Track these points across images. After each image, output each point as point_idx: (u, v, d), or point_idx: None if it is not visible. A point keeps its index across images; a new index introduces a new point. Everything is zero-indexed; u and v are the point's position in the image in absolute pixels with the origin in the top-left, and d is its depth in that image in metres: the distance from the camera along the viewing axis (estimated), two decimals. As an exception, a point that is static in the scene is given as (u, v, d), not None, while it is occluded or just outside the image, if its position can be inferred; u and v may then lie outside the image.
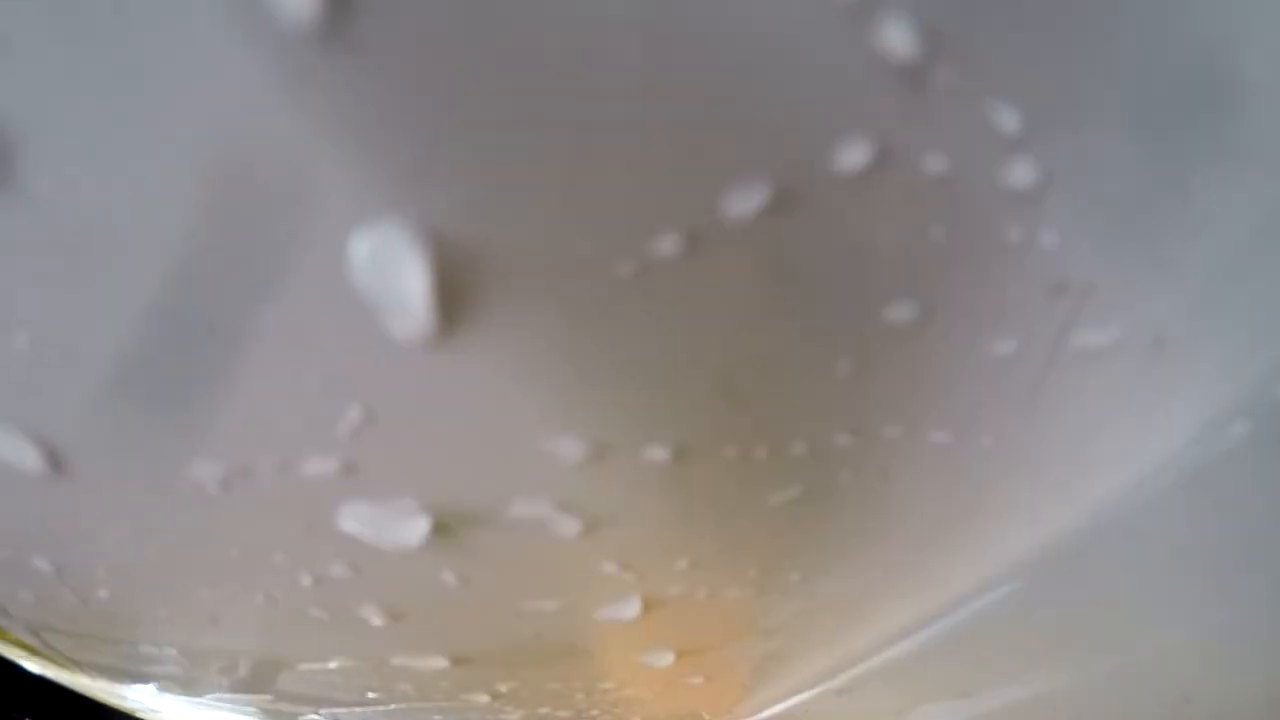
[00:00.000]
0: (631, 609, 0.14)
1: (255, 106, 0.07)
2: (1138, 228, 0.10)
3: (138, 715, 0.24)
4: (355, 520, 0.12)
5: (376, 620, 0.15)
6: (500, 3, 0.07)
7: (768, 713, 0.20)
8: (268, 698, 0.20)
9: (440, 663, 0.17)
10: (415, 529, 0.12)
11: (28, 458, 0.11)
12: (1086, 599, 0.16)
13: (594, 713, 0.21)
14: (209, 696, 0.21)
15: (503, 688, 0.18)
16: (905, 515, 0.13)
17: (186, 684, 0.20)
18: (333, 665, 0.17)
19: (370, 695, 0.19)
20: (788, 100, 0.08)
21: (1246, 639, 0.16)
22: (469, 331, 0.09)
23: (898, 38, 0.07)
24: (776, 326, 0.10)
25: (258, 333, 0.09)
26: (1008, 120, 0.08)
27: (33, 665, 0.21)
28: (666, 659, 0.17)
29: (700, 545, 0.13)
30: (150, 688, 0.21)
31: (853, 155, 0.08)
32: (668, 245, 0.09)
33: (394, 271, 0.08)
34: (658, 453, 0.11)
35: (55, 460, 0.11)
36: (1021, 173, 0.09)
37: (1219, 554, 0.15)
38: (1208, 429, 0.12)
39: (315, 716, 0.22)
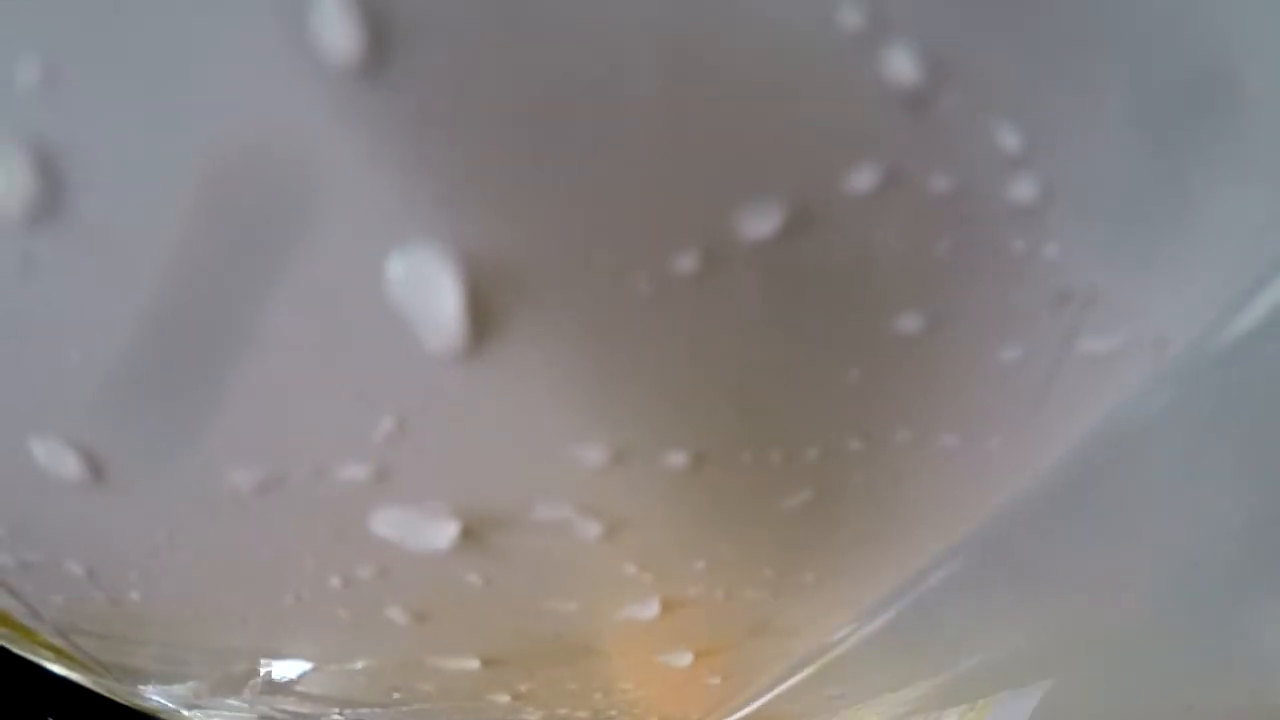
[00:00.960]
0: (650, 610, 0.15)
1: (300, 137, 0.08)
2: (1139, 237, 0.10)
3: (161, 717, 0.25)
4: (386, 525, 0.12)
5: (401, 621, 0.15)
6: (527, 40, 0.07)
7: (758, 704, 0.20)
8: (292, 698, 0.20)
9: (463, 663, 0.17)
10: (444, 533, 0.12)
11: (68, 466, 0.11)
12: (1068, 576, 0.16)
13: (612, 713, 0.21)
14: (234, 697, 0.21)
15: (523, 688, 0.19)
16: (915, 516, 0.13)
17: (212, 685, 0.20)
18: (357, 665, 0.18)
19: (394, 695, 0.19)
20: (799, 125, 0.08)
21: (1250, 648, 0.16)
22: (498, 345, 0.09)
23: (903, 66, 0.08)
24: (790, 338, 0.10)
25: (297, 346, 0.10)
26: (1010, 139, 0.08)
27: (58, 668, 0.21)
28: (685, 659, 0.17)
29: (717, 547, 0.14)
30: (175, 689, 0.21)
31: (862, 177, 0.08)
32: (686, 263, 0.09)
33: (428, 289, 0.09)
34: (676, 458, 0.11)
35: (95, 468, 0.11)
36: (1024, 188, 0.09)
37: (1216, 548, 0.15)
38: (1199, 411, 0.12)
39: (338, 717, 0.22)
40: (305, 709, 0.21)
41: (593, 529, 0.12)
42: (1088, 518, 0.14)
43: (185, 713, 0.23)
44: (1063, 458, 0.13)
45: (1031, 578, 0.16)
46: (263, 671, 0.19)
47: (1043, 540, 0.15)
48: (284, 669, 0.18)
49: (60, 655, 0.19)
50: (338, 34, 0.07)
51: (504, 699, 0.19)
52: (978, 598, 0.16)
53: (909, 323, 0.10)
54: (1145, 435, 0.13)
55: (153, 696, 0.22)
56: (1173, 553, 0.15)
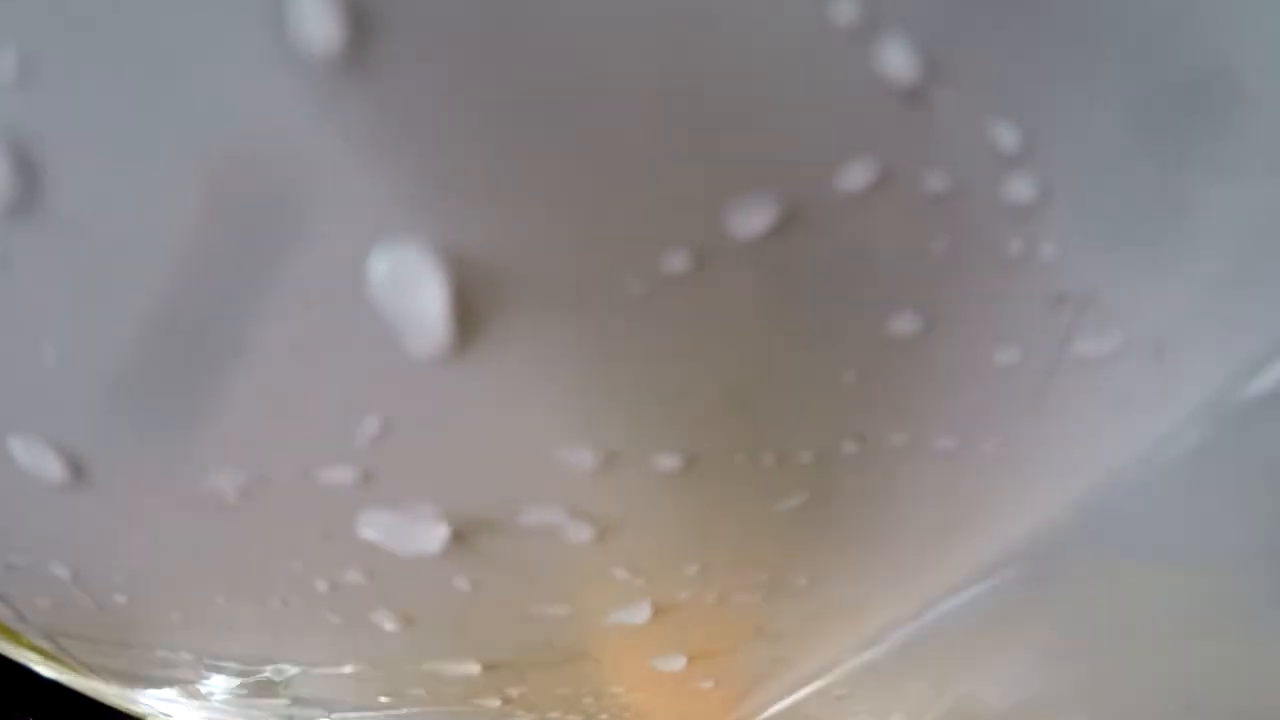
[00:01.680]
0: (642, 614, 0.15)
1: (279, 131, 0.08)
2: (1137, 238, 0.10)
3: (148, 720, 0.25)
4: (373, 528, 0.12)
5: (389, 625, 0.15)
6: (516, 32, 0.07)
7: (768, 713, 0.20)
8: (282, 702, 0.20)
9: (452, 667, 0.17)
10: (434, 536, 0.12)
11: (50, 467, 0.11)
12: (1079, 592, 0.16)
13: (603, 717, 0.21)
14: (221, 701, 0.21)
15: (513, 692, 0.19)
16: (909, 519, 0.13)
17: (200, 688, 0.20)
18: (345, 670, 0.18)
19: (382, 700, 0.19)
20: (793, 123, 0.08)
21: (1252, 648, 0.16)
22: (484, 346, 0.09)
23: (898, 61, 0.08)
24: (783, 339, 0.10)
25: (279, 347, 0.09)
26: (1006, 138, 0.08)
27: (46, 670, 0.21)
28: (677, 663, 0.17)
29: (709, 551, 0.13)
30: (163, 692, 0.21)
31: (857, 175, 0.08)
32: (677, 263, 0.09)
33: (412, 289, 0.09)
34: (668, 461, 0.11)
35: (77, 470, 0.11)
36: (1020, 188, 0.09)
37: (1216, 547, 0.15)
38: (1203, 419, 0.12)
39: (326, 720, 0.22)
40: (293, 712, 0.21)
41: (583, 533, 0.12)
42: (1112, 540, 0.14)
43: (174, 716, 0.23)
44: (1094, 482, 0.13)
45: (1055, 608, 0.16)
46: (251, 675, 0.19)
47: (1067, 568, 0.14)
48: (272, 673, 0.18)
49: (48, 658, 0.19)
50: (317, 27, 0.07)
51: (494, 703, 0.19)
52: (992, 628, 0.16)
53: (904, 323, 0.10)
54: (1164, 463, 0.13)
55: (140, 699, 0.22)
56: (1184, 561, 0.15)
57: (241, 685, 0.19)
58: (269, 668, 0.18)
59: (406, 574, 0.13)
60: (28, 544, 0.14)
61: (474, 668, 0.17)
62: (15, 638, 0.18)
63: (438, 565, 0.13)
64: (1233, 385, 0.12)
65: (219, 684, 0.19)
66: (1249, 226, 0.10)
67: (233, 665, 0.18)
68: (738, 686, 0.19)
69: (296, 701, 0.20)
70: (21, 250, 0.09)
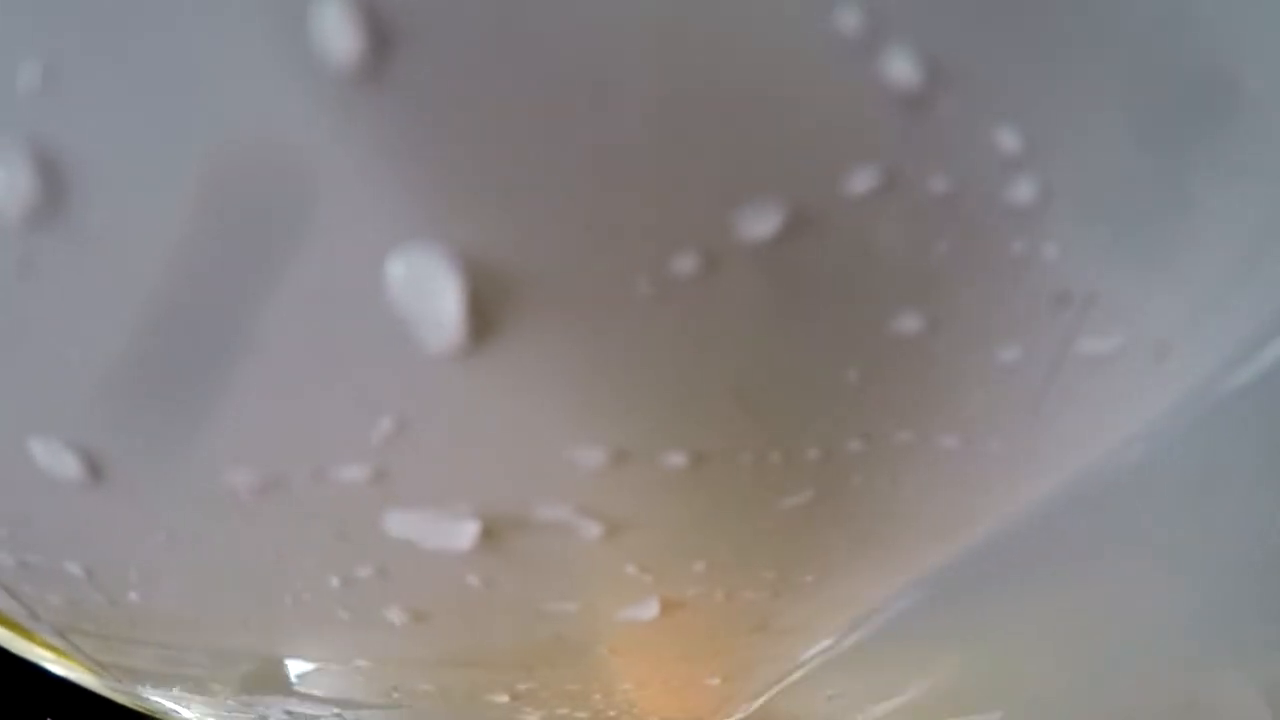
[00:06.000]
0: (650, 610, 0.15)
1: (299, 138, 0.08)
2: (1138, 239, 0.10)
3: (160, 717, 0.25)
4: (395, 525, 0.12)
5: (401, 622, 0.15)
6: (525, 43, 0.07)
7: (759, 701, 0.20)
8: (292, 698, 0.20)
9: (462, 663, 0.17)
10: (464, 533, 0.12)
11: (68, 467, 0.11)
12: (1077, 586, 0.16)
13: (611, 713, 0.21)
14: (233, 697, 0.21)
15: (523, 688, 0.19)
16: (914, 517, 0.14)
17: (211, 685, 0.20)
18: (357, 666, 0.18)
19: (394, 695, 0.19)
20: (798, 127, 0.08)
21: (1255, 644, 0.16)
22: (497, 345, 0.09)
23: (902, 69, 0.08)
24: (789, 339, 0.10)
25: (297, 347, 0.10)
26: (1008, 141, 0.09)
27: (57, 668, 0.21)
28: (684, 660, 0.17)
29: (717, 548, 0.14)
30: (174, 689, 0.21)
31: (861, 179, 0.08)
32: (685, 264, 0.09)
33: (428, 290, 0.09)
34: (676, 459, 0.11)
35: (95, 469, 0.11)
36: (1023, 190, 0.09)
37: (1215, 544, 0.15)
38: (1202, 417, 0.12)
39: (338, 716, 0.22)
40: (305, 709, 0.21)
41: (593, 530, 0.12)
42: (1113, 536, 0.14)
43: (184, 712, 0.23)
44: (1095, 479, 0.13)
45: (1053, 603, 0.16)
46: (262, 671, 0.19)
47: (1065, 563, 0.15)
48: (283, 669, 0.18)
49: (59, 655, 0.19)
50: (338, 37, 0.07)
51: (503, 699, 0.19)
52: (989, 619, 0.16)
53: (908, 323, 0.10)
54: (1155, 447, 0.13)
55: (152, 696, 0.22)
56: (1182, 558, 0.15)
57: (253, 681, 0.19)
58: (281, 664, 0.18)
59: (419, 572, 0.13)
60: (43, 542, 0.14)
61: (483, 664, 0.17)
62: (28, 636, 0.18)
63: (452, 563, 0.13)
64: (1231, 380, 0.12)
65: (230, 680, 0.20)
66: (1251, 226, 0.10)
67: (245, 661, 0.18)
68: (742, 682, 0.20)
69: (307, 698, 0.20)
70: (45, 255, 0.09)
